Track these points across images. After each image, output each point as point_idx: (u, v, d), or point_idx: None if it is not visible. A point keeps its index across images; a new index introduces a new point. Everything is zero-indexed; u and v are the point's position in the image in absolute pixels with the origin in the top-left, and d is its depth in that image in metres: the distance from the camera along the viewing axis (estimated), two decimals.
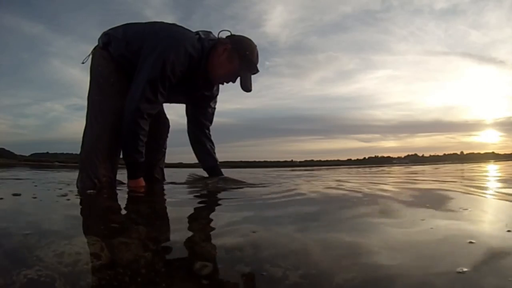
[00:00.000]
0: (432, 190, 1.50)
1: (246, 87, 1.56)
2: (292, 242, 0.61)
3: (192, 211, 1.00)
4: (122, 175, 1.65)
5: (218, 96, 1.90)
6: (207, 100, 1.84)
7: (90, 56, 1.62)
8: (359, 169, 5.69)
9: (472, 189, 1.49)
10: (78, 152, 1.57)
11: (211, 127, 1.93)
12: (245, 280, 0.44)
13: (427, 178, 2.40)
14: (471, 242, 0.55)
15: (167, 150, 1.94)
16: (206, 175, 1.88)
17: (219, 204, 1.17)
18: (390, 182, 2.05)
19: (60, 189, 1.52)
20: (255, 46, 1.62)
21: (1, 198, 1.18)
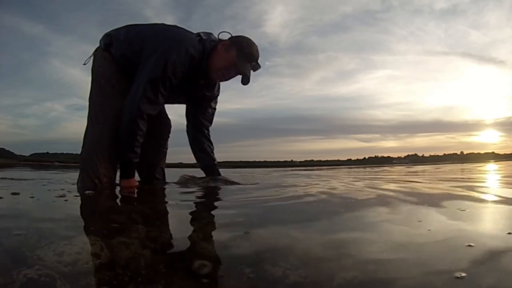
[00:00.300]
0: (431, 190, 1.50)
1: (245, 75, 1.56)
2: (292, 241, 0.61)
3: (191, 210, 1.00)
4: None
5: (218, 97, 1.90)
6: (207, 101, 1.84)
7: (92, 57, 1.63)
8: (362, 169, 5.66)
9: (471, 189, 1.49)
10: (78, 152, 1.58)
11: (211, 127, 1.93)
12: (245, 279, 0.44)
13: (426, 179, 2.40)
14: (470, 245, 0.54)
15: (167, 150, 1.94)
16: (200, 175, 1.88)
17: (219, 204, 1.17)
18: (390, 182, 2.05)
19: (63, 189, 1.52)
20: (254, 42, 1.63)
21: (2, 197, 1.18)
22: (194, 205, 1.14)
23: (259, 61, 1.62)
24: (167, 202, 1.27)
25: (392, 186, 1.72)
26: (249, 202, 1.19)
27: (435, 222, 0.78)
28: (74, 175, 1.64)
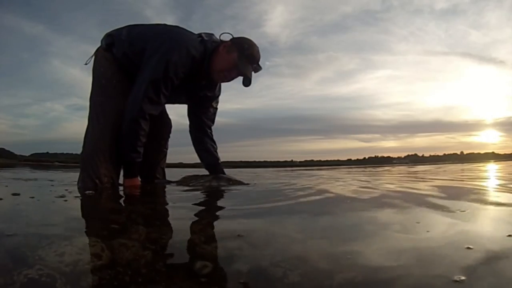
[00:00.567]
0: (429, 190, 1.50)
1: (246, 76, 1.57)
2: (292, 242, 0.62)
3: (192, 211, 1.00)
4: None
5: (219, 96, 1.91)
6: (209, 100, 1.86)
7: (93, 57, 1.63)
8: (370, 169, 5.63)
9: (471, 189, 1.49)
10: (78, 152, 1.58)
11: (213, 126, 1.94)
12: (245, 280, 0.44)
13: (431, 177, 2.40)
14: (469, 248, 0.53)
15: (168, 150, 1.95)
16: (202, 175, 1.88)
17: (219, 204, 1.17)
18: (390, 181, 2.05)
19: (67, 189, 1.52)
20: (255, 43, 1.64)
21: (2, 199, 1.18)
22: (194, 205, 1.14)
23: (260, 62, 1.63)
24: (167, 203, 1.27)
25: (390, 185, 1.72)
26: (252, 202, 1.19)
27: (434, 224, 0.77)
28: (75, 176, 1.64)
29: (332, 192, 1.42)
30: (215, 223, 0.82)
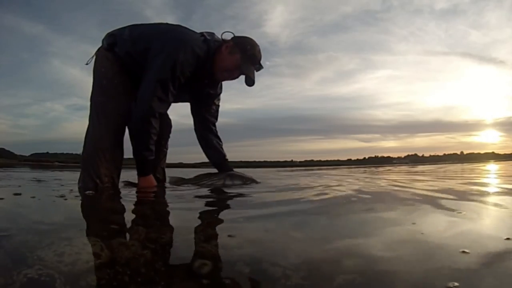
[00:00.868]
0: (427, 190, 1.50)
1: (249, 78, 1.60)
2: (292, 242, 0.61)
3: (193, 211, 1.00)
4: (132, 177, 1.66)
5: (220, 94, 1.94)
6: (211, 98, 1.89)
7: (94, 58, 1.63)
8: (367, 169, 5.61)
9: (470, 189, 1.49)
10: (78, 152, 1.59)
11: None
12: (245, 279, 0.44)
13: (428, 178, 2.40)
14: (464, 252, 0.51)
15: (168, 150, 1.95)
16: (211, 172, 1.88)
17: (220, 204, 1.17)
18: (389, 181, 2.05)
19: (68, 189, 1.52)
20: (256, 43, 1.67)
21: (3, 198, 1.18)
22: (196, 205, 1.14)
23: (261, 61, 1.65)
24: (167, 203, 1.27)
25: (387, 185, 1.72)
26: (253, 202, 1.19)
27: (429, 225, 0.75)
28: (77, 175, 1.64)
29: (335, 193, 1.41)
30: (215, 222, 0.82)
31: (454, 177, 2.59)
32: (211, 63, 1.60)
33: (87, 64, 1.64)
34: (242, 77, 1.64)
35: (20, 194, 1.30)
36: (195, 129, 1.95)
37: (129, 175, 1.86)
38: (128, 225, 0.79)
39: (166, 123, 1.89)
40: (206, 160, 2.00)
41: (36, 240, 0.59)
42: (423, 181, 2.05)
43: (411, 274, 0.44)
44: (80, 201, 1.18)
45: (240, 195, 1.40)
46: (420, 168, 6.04)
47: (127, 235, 0.67)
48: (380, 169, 6.05)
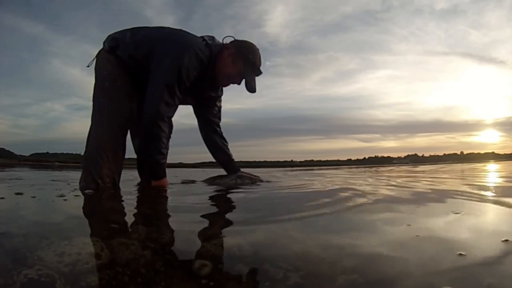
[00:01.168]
0: (425, 190, 1.50)
1: (251, 88, 1.66)
2: (292, 242, 0.61)
3: (193, 211, 1.00)
4: (131, 177, 1.66)
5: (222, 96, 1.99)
6: (213, 100, 1.93)
7: (95, 59, 1.64)
8: (369, 169, 5.58)
9: (468, 189, 1.48)
10: (78, 152, 1.60)
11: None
12: (245, 280, 0.44)
13: (425, 178, 2.40)
14: (460, 254, 0.50)
15: (168, 151, 1.96)
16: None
17: (220, 204, 1.17)
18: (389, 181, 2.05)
19: (68, 189, 1.52)
20: (257, 49, 1.72)
21: (4, 198, 1.18)
22: (195, 205, 1.14)
23: (261, 64, 1.71)
24: (167, 203, 1.27)
25: (385, 185, 1.72)
26: (253, 202, 1.19)
27: (425, 226, 0.73)
28: (77, 176, 1.64)
29: (335, 193, 1.41)
30: (216, 223, 0.82)
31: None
32: (213, 67, 1.64)
33: (88, 66, 1.65)
34: (243, 82, 1.68)
35: (22, 193, 1.30)
36: (200, 130, 2.00)
37: (129, 175, 1.86)
38: (129, 224, 0.79)
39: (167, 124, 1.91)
40: (206, 160, 2.06)
41: (36, 240, 0.59)
42: (420, 181, 2.04)
43: (402, 278, 0.42)
44: (80, 201, 1.18)
45: (241, 195, 1.40)
46: (422, 167, 6.04)
47: (127, 235, 0.67)
48: (383, 169, 6.04)
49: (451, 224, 0.75)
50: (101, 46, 1.63)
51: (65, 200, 1.16)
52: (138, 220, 0.86)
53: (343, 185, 1.78)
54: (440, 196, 1.26)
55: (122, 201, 1.28)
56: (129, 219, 0.88)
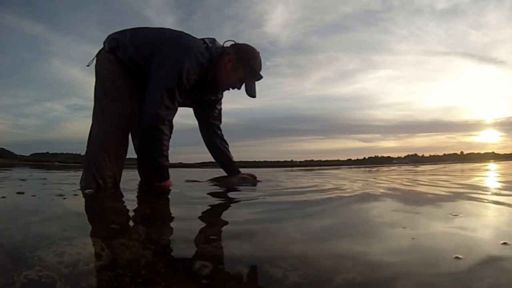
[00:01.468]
0: (423, 191, 1.50)
1: (251, 93, 1.67)
2: (292, 242, 0.61)
3: (193, 211, 1.00)
4: (131, 177, 1.65)
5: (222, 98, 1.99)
6: (213, 103, 1.94)
7: (95, 59, 1.64)
8: (370, 169, 5.57)
9: (468, 190, 1.48)
10: (79, 152, 1.60)
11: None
12: (245, 280, 0.44)
13: (424, 179, 2.40)
14: (457, 258, 0.49)
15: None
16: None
17: (220, 205, 1.17)
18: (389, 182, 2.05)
19: (69, 189, 1.52)
20: (258, 53, 1.72)
21: (5, 197, 1.18)
22: (196, 205, 1.14)
23: (261, 69, 1.72)
24: (167, 203, 1.27)
25: (382, 185, 1.72)
26: (254, 202, 1.19)
27: (422, 229, 0.72)
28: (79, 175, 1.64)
29: (335, 194, 1.41)
30: (216, 223, 0.82)
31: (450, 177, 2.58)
32: (213, 70, 1.63)
33: (88, 65, 1.65)
34: (243, 86, 1.69)
35: (23, 193, 1.30)
36: (201, 132, 2.01)
37: (130, 174, 1.86)
38: (129, 225, 0.79)
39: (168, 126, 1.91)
40: (206, 160, 2.07)
41: (36, 240, 0.59)
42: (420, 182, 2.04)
43: (397, 283, 0.42)
44: (81, 201, 1.18)
45: (242, 195, 1.40)
46: (422, 167, 6.03)
47: (128, 235, 0.67)
48: (385, 168, 6.04)
49: (449, 227, 0.73)
50: (101, 46, 1.63)
51: (65, 199, 1.16)
52: (138, 221, 0.86)
53: (342, 185, 1.78)
54: (441, 197, 1.26)
55: (123, 201, 1.28)
56: (130, 219, 0.88)
